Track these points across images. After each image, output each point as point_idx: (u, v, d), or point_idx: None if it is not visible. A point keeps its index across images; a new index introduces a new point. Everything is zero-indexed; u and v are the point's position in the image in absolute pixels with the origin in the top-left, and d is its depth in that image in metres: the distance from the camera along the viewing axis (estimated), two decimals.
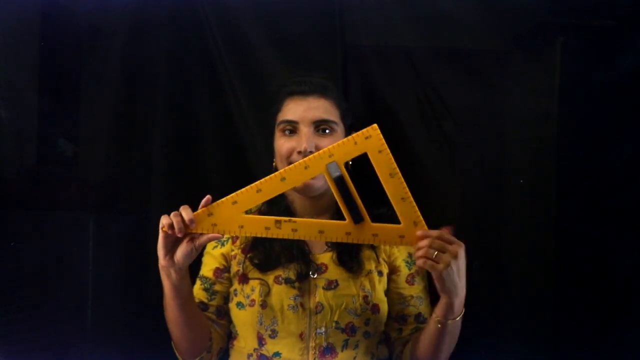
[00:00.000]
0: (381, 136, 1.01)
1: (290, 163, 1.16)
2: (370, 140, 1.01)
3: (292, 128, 1.19)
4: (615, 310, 1.44)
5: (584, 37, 1.45)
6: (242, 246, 1.24)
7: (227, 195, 1.05)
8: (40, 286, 1.52)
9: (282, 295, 1.17)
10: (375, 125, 1.01)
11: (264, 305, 1.17)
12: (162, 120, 1.53)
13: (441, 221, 1.44)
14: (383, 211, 1.12)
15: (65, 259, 1.55)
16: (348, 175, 1.02)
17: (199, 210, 1.04)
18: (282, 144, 1.19)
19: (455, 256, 0.99)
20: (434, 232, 1.01)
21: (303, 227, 1.05)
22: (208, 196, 1.04)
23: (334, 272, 1.19)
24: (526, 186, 1.47)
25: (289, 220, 1.05)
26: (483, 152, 1.48)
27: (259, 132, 1.47)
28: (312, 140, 1.16)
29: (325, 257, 1.21)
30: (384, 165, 1.01)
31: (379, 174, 1.02)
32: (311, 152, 1.14)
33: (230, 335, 1.27)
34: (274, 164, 1.24)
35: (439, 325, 1.09)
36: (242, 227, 1.04)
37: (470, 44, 1.48)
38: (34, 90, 1.55)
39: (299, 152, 1.16)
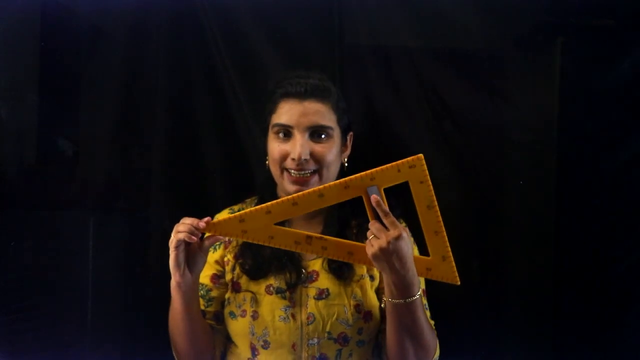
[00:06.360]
0: (425, 167, 1.02)
1: (282, 168, 1.15)
2: (414, 170, 1.02)
3: (287, 132, 1.15)
4: (615, 311, 1.44)
5: (584, 37, 1.45)
6: (234, 251, 1.21)
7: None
8: (40, 286, 1.53)
9: (273, 306, 1.15)
10: (421, 156, 1.02)
11: (255, 316, 1.15)
12: (162, 120, 1.53)
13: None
14: None
15: (65, 259, 1.55)
16: (386, 199, 1.02)
17: (231, 215, 1.04)
18: (276, 147, 1.16)
19: (394, 239, 0.98)
20: (381, 211, 1.00)
21: (333, 246, 1.06)
22: (208, 218, 1.04)
23: (324, 279, 1.17)
24: (526, 187, 1.47)
25: (321, 238, 1.06)
26: (483, 152, 1.48)
27: (259, 132, 1.47)
28: (306, 147, 1.12)
29: (316, 264, 1.18)
30: (423, 196, 1.03)
31: (416, 204, 1.03)
32: (305, 160, 1.12)
33: (229, 338, 1.24)
34: (267, 162, 1.21)
35: (382, 305, 1.11)
36: (272, 237, 1.05)
37: (470, 44, 1.48)
38: (34, 90, 1.55)
39: (293, 159, 1.12)
